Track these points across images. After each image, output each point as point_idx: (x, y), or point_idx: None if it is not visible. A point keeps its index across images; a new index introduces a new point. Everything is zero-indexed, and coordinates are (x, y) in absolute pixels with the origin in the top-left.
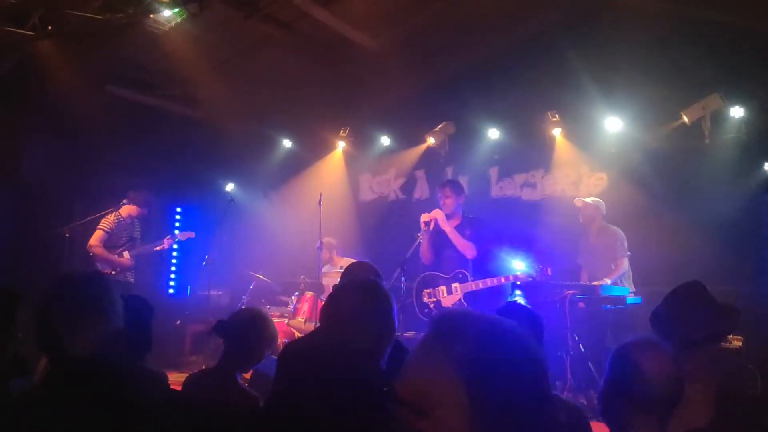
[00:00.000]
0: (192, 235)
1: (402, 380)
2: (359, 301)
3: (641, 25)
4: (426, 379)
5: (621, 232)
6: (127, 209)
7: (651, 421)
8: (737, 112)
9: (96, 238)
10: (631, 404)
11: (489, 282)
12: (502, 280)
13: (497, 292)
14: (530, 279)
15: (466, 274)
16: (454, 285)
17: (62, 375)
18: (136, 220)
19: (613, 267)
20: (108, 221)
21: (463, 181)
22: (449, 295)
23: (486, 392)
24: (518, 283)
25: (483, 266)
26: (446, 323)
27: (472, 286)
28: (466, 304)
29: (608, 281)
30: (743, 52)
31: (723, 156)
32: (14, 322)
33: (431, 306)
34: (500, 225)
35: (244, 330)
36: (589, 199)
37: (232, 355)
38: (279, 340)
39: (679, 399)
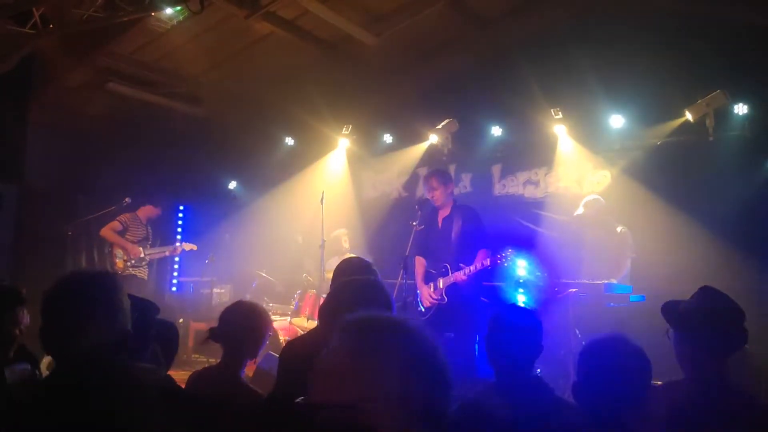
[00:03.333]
0: (194, 247)
1: (319, 385)
2: (357, 299)
3: (645, 22)
4: (348, 379)
5: (629, 233)
6: (143, 211)
7: (627, 414)
8: (741, 109)
9: (109, 226)
10: (604, 400)
11: (462, 274)
12: (472, 269)
13: (474, 279)
14: (498, 264)
15: (448, 268)
16: (439, 279)
17: (67, 373)
18: (148, 224)
19: (618, 267)
20: (125, 216)
21: (466, 178)
22: (435, 291)
23: (399, 383)
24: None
25: (473, 254)
26: (361, 328)
27: (451, 279)
28: (446, 298)
29: (614, 281)
30: (747, 48)
31: (727, 153)
32: (14, 321)
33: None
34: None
35: (239, 326)
36: (591, 198)
37: (234, 351)
38: (282, 337)
39: (649, 390)
